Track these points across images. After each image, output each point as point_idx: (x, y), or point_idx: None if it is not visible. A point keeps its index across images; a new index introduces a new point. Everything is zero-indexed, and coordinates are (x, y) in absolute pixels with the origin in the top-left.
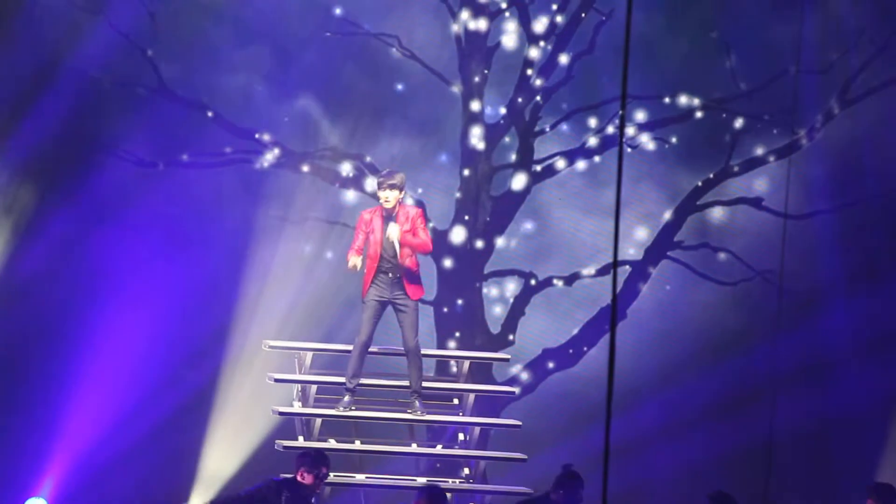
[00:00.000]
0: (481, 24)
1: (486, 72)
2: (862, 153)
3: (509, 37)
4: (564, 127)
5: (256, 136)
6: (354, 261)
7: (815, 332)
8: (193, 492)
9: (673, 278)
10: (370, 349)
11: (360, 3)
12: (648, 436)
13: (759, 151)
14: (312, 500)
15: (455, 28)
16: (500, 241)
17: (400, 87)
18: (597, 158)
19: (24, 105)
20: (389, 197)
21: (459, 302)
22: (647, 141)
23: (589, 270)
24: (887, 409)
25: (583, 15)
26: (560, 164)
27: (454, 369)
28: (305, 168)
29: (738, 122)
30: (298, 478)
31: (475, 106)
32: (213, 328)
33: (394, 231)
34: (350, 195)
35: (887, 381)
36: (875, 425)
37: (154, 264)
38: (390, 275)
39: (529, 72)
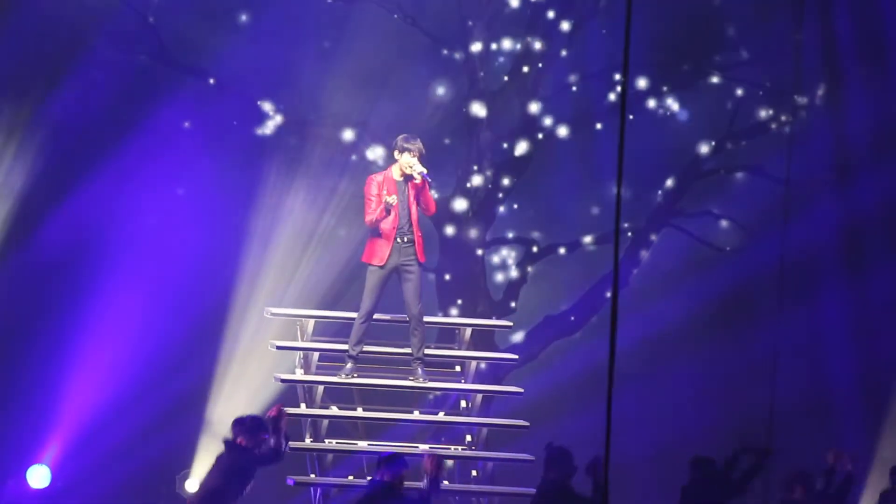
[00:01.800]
0: None
1: (488, 39)
2: (864, 120)
3: (512, 3)
4: (566, 94)
5: (259, 103)
6: (388, 199)
7: (817, 297)
8: (195, 460)
9: (675, 245)
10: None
11: None
12: (649, 399)
13: (761, 119)
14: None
15: None
16: (501, 209)
17: (401, 54)
18: (598, 125)
19: (25, 74)
20: (417, 163)
21: (461, 269)
22: (649, 108)
23: (590, 238)
24: (890, 373)
25: None
26: (562, 131)
27: (459, 337)
28: (307, 135)
29: (741, 90)
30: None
31: (477, 73)
32: (215, 296)
33: (420, 166)
34: (352, 162)
35: (889, 346)
36: (877, 390)
37: (157, 232)
38: (400, 240)
39: (531, 39)
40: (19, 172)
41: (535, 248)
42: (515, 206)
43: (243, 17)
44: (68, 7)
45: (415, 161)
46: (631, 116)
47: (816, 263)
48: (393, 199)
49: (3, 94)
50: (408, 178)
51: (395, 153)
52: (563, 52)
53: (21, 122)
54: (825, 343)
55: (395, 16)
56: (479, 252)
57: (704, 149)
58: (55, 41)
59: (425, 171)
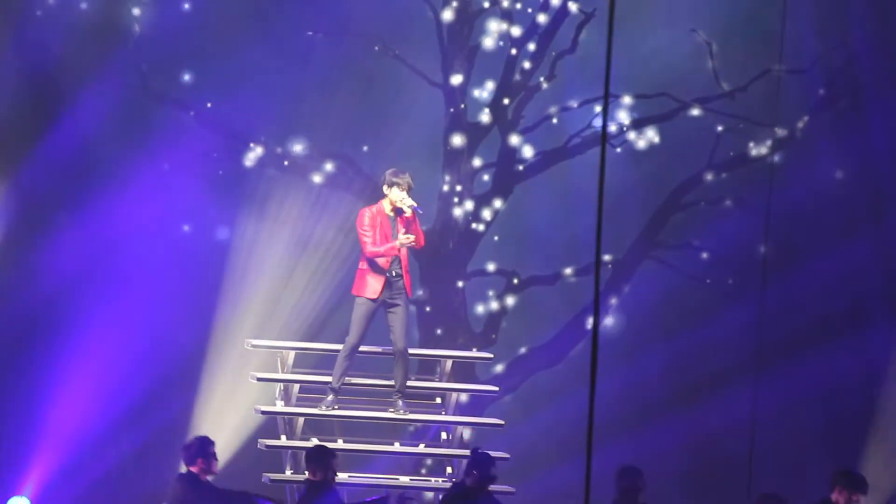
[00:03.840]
0: (464, 24)
1: (469, 71)
2: (845, 151)
3: (492, 36)
4: (547, 126)
5: (239, 135)
6: (402, 240)
7: (796, 321)
8: None
9: (655, 277)
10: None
11: (344, 2)
12: (630, 431)
13: (742, 150)
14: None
15: (438, 28)
16: (482, 240)
17: (383, 87)
18: (580, 157)
19: (9, 108)
20: (406, 197)
21: (442, 301)
22: (629, 140)
23: (571, 269)
24: (869, 390)
25: (571, 10)
26: (543, 162)
27: (440, 368)
28: (288, 167)
29: (721, 122)
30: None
31: (458, 105)
32: (196, 328)
33: (410, 200)
34: (332, 194)
35: (865, 363)
36: (857, 407)
37: (136, 263)
38: (394, 274)
39: (512, 71)
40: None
41: (515, 280)
42: (496, 237)
43: (224, 50)
44: (47, 42)
45: (405, 195)
46: (618, 150)
47: (797, 292)
48: (408, 240)
49: None
50: (398, 212)
51: (385, 188)
52: (544, 85)
53: (3, 155)
54: (806, 367)
55: (377, 48)
56: (460, 284)
57: (685, 180)
58: (42, 76)
59: (415, 204)
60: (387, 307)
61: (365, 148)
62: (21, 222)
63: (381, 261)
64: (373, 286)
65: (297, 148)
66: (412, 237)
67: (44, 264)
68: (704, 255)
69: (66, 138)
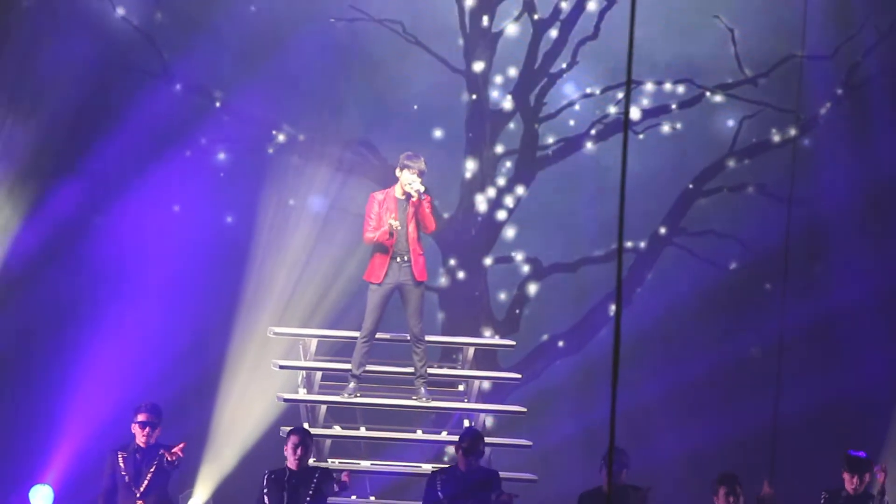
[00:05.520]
0: (486, 11)
1: (490, 57)
2: (867, 138)
3: (514, 23)
4: (569, 112)
5: (260, 122)
6: (393, 223)
7: (820, 314)
8: (198, 479)
9: (678, 264)
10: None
11: None
12: (653, 420)
13: (764, 137)
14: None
15: (460, 14)
16: (505, 228)
17: (404, 73)
18: (602, 143)
19: (27, 93)
20: (416, 181)
21: (464, 288)
22: (652, 126)
23: (594, 256)
24: (892, 389)
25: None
26: (565, 149)
27: (462, 356)
28: (310, 154)
29: (743, 108)
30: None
31: (480, 92)
32: (217, 315)
33: (419, 184)
34: (354, 181)
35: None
36: (881, 406)
37: (158, 252)
38: (398, 259)
39: (534, 58)
40: (12, 188)
41: (538, 268)
42: (519, 225)
43: (245, 37)
44: (71, 27)
45: (414, 179)
46: (641, 136)
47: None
48: (396, 224)
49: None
50: (409, 196)
51: (397, 171)
52: (566, 72)
53: (22, 137)
54: (829, 357)
55: (398, 34)
56: (482, 271)
57: (707, 167)
58: (60, 63)
59: (423, 189)
60: (401, 293)
61: (386, 135)
62: (46, 211)
63: (384, 246)
64: (377, 271)
65: (319, 135)
66: (397, 223)
67: (62, 252)
68: (727, 242)
69: (88, 125)
